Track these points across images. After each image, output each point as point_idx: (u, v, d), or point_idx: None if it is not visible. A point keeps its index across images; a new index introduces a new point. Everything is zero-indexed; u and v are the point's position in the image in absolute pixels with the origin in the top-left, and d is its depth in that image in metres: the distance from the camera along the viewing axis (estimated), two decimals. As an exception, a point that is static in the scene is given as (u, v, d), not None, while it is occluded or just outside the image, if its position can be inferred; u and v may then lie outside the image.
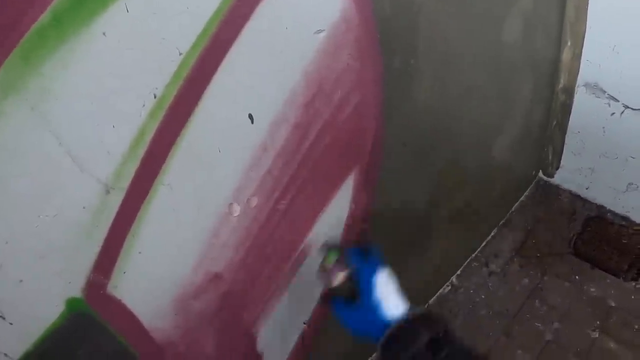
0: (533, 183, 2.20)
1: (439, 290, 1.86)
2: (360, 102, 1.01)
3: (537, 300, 1.79)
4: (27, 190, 0.60)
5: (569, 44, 1.73)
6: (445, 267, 1.85)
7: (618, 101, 1.73)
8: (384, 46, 1.00)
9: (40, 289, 0.67)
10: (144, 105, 0.66)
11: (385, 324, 0.82)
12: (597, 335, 1.66)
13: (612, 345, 1.63)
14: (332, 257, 0.93)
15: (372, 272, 0.88)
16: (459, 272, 1.92)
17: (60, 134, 0.60)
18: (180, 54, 0.67)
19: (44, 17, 0.53)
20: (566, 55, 1.76)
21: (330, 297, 0.93)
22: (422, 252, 1.58)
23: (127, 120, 0.66)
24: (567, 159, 2.05)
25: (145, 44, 0.63)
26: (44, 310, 0.69)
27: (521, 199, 2.16)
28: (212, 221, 0.85)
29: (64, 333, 0.72)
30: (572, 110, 1.90)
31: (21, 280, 0.64)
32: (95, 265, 0.71)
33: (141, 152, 0.68)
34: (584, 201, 2.08)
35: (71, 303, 0.71)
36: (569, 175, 2.09)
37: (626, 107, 1.72)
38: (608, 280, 1.81)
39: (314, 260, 1.10)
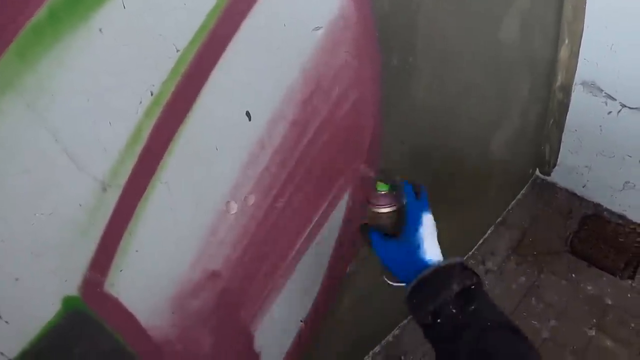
0: (530, 181, 2.21)
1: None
2: (359, 99, 1.00)
3: (533, 298, 1.80)
4: (23, 188, 0.59)
5: (566, 42, 1.73)
6: (442, 265, 1.84)
7: (615, 100, 1.73)
8: (382, 44, 0.99)
9: (36, 287, 0.66)
10: (140, 103, 0.66)
11: (421, 266, 0.80)
12: (593, 333, 1.67)
13: (608, 343, 1.64)
14: (385, 186, 0.91)
15: (421, 211, 0.86)
16: (456, 270, 1.92)
17: (56, 131, 0.59)
18: (178, 50, 0.66)
19: (40, 14, 0.53)
20: (564, 53, 1.77)
21: (370, 229, 0.91)
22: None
23: (123, 117, 0.65)
24: (564, 157, 2.06)
25: (142, 41, 0.63)
26: (40, 309, 0.69)
27: (518, 197, 2.16)
28: (210, 219, 0.85)
29: (60, 331, 0.71)
30: (569, 108, 1.90)
31: (17, 279, 0.64)
32: (91, 263, 0.70)
33: (138, 149, 0.68)
34: (581, 199, 2.09)
35: (67, 301, 0.70)
36: (566, 173, 2.09)
37: (623, 105, 1.72)
38: (604, 279, 1.82)
39: (311, 257, 1.09)
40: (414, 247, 0.82)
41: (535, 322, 1.73)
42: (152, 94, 0.66)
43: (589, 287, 1.80)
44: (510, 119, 1.73)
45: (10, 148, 0.56)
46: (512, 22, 1.42)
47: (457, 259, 0.80)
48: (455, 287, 0.74)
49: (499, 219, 2.08)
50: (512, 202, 2.14)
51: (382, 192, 0.89)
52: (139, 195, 0.72)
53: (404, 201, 0.88)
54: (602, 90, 1.75)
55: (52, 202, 0.63)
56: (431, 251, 0.82)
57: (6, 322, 0.64)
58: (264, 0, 0.74)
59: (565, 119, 1.94)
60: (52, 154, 0.60)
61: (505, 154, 1.83)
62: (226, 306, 0.98)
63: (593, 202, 2.06)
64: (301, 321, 1.23)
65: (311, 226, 1.08)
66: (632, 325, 1.67)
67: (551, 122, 1.99)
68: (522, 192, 2.18)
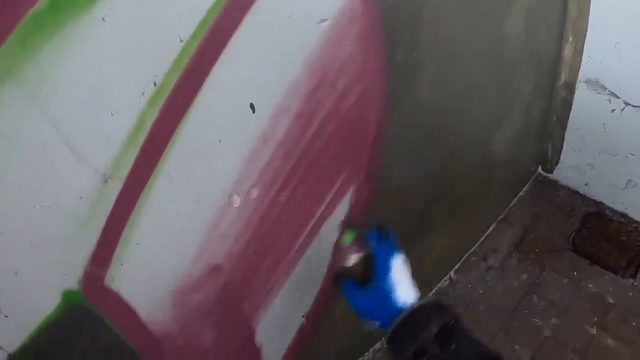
0: (532, 179, 2.20)
1: (437, 284, 1.86)
2: (364, 91, 0.99)
3: (535, 296, 1.79)
4: (23, 179, 0.59)
5: (570, 40, 1.72)
6: (444, 261, 1.84)
7: (619, 98, 1.72)
8: (387, 37, 0.98)
9: (36, 280, 0.66)
10: (143, 93, 0.65)
11: (396, 310, 0.81)
12: (595, 332, 1.66)
13: (610, 341, 1.63)
14: (349, 237, 0.92)
15: (390, 255, 0.86)
16: (457, 266, 1.92)
17: (57, 122, 0.58)
18: (182, 41, 0.65)
19: (41, 2, 0.52)
20: (567, 51, 1.75)
21: (341, 278, 0.91)
22: (421, 246, 1.57)
23: (126, 108, 0.64)
24: (566, 155, 2.05)
25: (145, 31, 0.61)
26: (40, 303, 0.68)
27: (520, 194, 2.16)
28: (212, 212, 0.84)
29: (60, 325, 0.71)
30: (573, 106, 1.89)
31: (16, 272, 0.63)
32: (92, 256, 0.70)
33: (140, 140, 0.67)
34: (583, 197, 2.08)
35: (68, 295, 0.70)
36: (569, 171, 2.08)
37: (627, 104, 1.71)
38: (606, 277, 1.81)
39: (314, 251, 1.09)
40: (387, 292, 0.83)
41: (537, 319, 1.72)
42: (155, 85, 0.65)
43: (591, 285, 1.80)
44: (513, 116, 1.72)
45: (10, 139, 0.56)
46: (516, 19, 1.41)
47: (432, 299, 0.82)
48: (433, 329, 0.76)
49: (500, 216, 2.07)
50: (514, 200, 2.13)
51: (347, 244, 0.91)
52: (141, 187, 0.71)
53: (373, 243, 0.90)
54: (605, 88, 1.74)
55: (52, 194, 0.62)
56: (405, 293, 0.83)
57: (5, 315, 0.64)
58: (270, -9, 0.73)
59: (569, 116, 1.93)
60: (52, 145, 0.59)
61: (507, 151, 1.82)
62: (228, 300, 0.97)
63: (595, 200, 2.06)
64: (303, 316, 1.23)
65: (314, 220, 1.07)
66: (634, 323, 1.67)
67: (554, 119, 1.98)
68: (524, 189, 2.17)
